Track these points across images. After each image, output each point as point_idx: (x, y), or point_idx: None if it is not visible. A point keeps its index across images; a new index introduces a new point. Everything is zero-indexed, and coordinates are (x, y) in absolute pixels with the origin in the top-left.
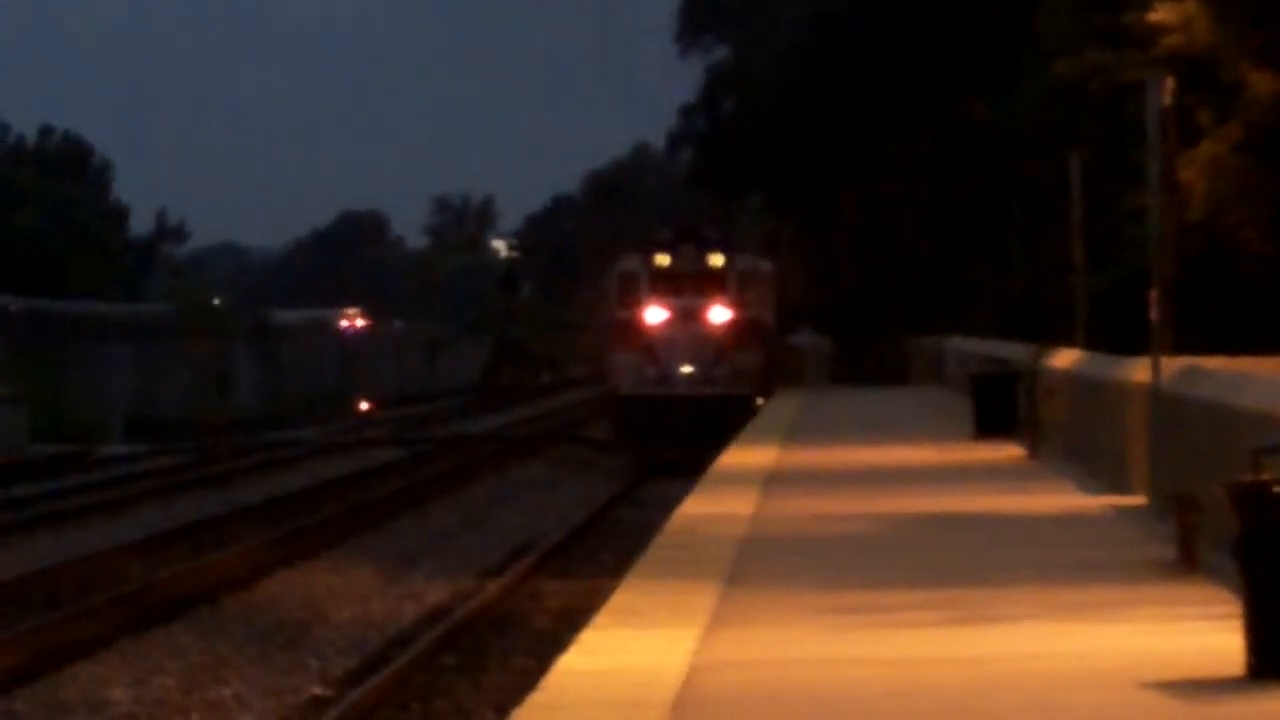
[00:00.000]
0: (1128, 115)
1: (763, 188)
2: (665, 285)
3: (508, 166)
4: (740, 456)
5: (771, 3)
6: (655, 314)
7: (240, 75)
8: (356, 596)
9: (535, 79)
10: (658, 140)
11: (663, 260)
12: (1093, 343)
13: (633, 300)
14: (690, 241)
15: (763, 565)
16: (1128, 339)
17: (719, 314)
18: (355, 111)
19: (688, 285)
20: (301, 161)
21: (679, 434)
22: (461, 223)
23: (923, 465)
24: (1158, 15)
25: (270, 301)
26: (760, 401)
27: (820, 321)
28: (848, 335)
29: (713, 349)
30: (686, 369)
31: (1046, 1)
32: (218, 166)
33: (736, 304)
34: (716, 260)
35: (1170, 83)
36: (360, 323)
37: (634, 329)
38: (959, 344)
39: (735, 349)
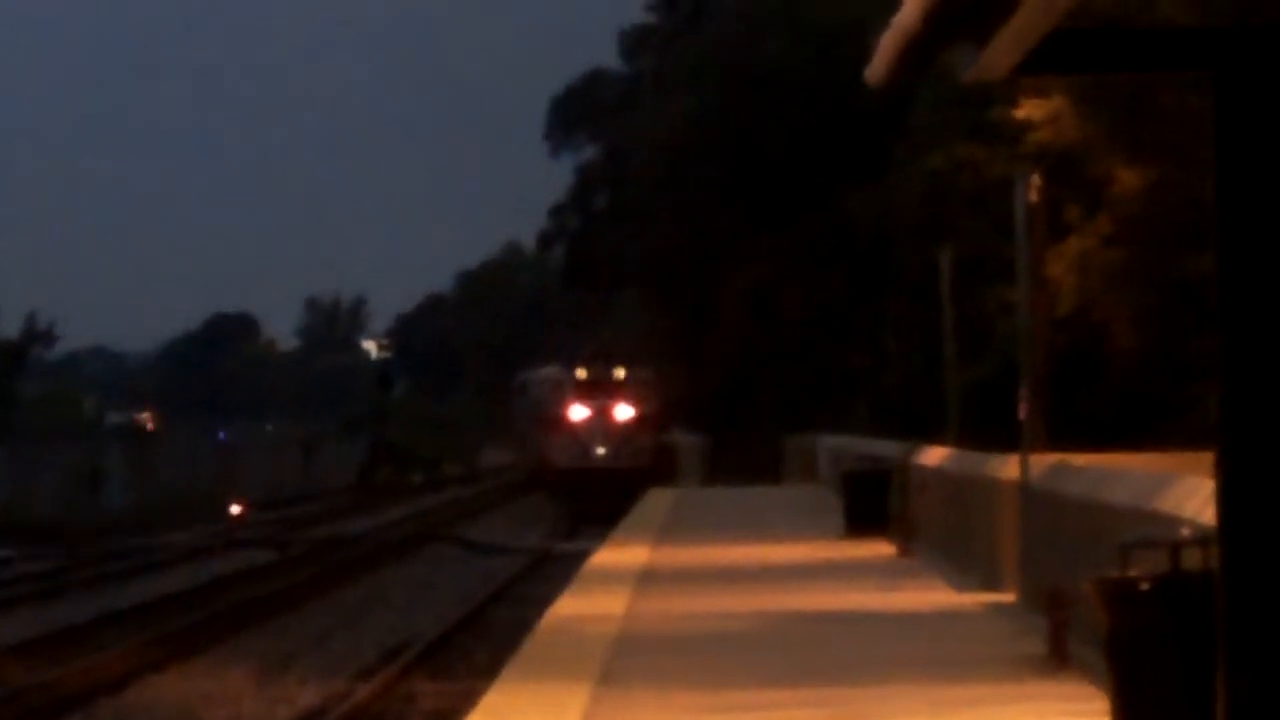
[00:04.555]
0: (997, 210)
1: (636, 284)
2: (584, 390)
3: (378, 268)
4: (613, 555)
5: (643, 99)
6: (578, 410)
7: (107, 176)
8: (229, 699)
9: (403, 180)
10: (528, 239)
11: (582, 372)
12: (965, 436)
13: (561, 401)
14: (601, 359)
15: (635, 664)
16: (1000, 432)
17: (623, 411)
18: (224, 213)
19: (600, 390)
20: (170, 264)
21: (597, 494)
22: (333, 323)
23: (795, 563)
24: (1024, 111)
25: (143, 404)
26: (651, 473)
27: (694, 417)
28: (722, 432)
29: (619, 435)
30: (601, 450)
31: (919, 96)
32: (87, 269)
33: (635, 403)
34: (620, 372)
35: (1037, 178)
36: (149, 425)
37: (563, 421)
38: (831, 441)
39: (635, 435)
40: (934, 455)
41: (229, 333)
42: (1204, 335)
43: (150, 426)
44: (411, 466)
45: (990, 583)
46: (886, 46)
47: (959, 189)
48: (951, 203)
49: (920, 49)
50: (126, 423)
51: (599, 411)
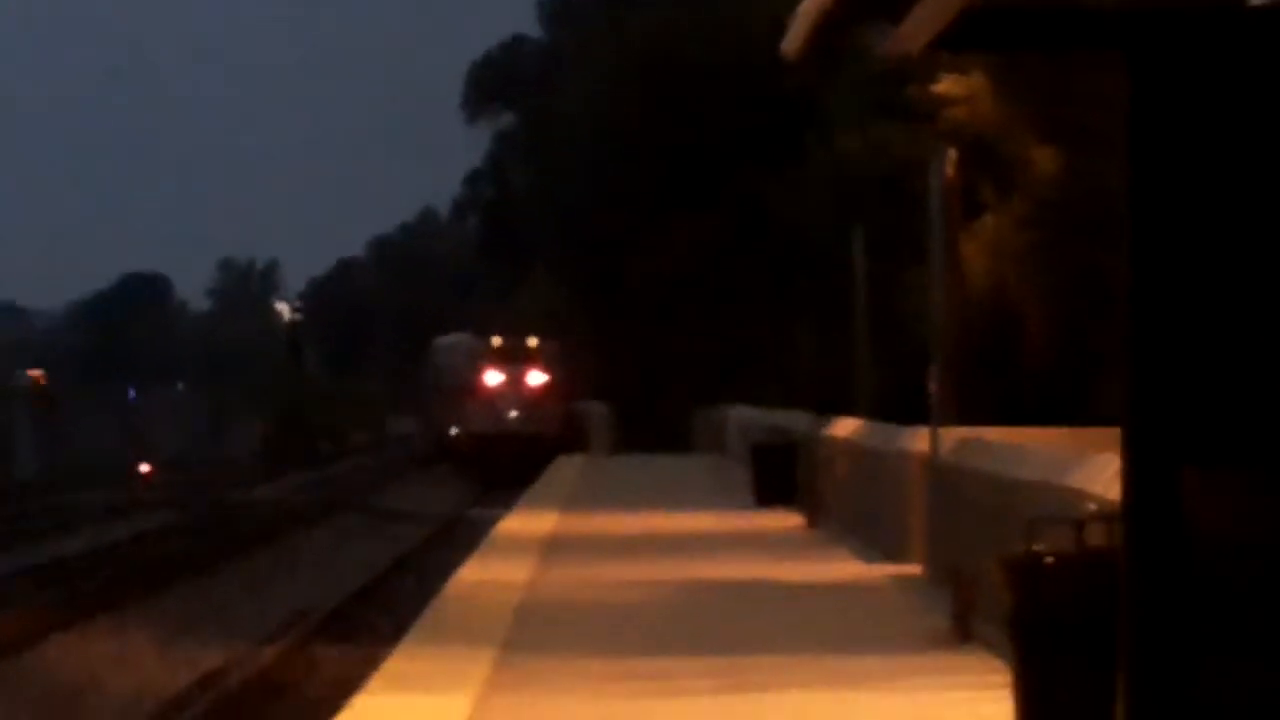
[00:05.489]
0: (912, 190)
1: (551, 256)
2: (498, 358)
3: (292, 231)
4: (520, 523)
5: (562, 72)
6: (493, 377)
7: (14, 130)
8: (131, 662)
9: (318, 143)
10: (444, 206)
11: (497, 341)
12: (876, 416)
13: (474, 368)
14: (515, 329)
15: (539, 632)
16: (911, 413)
17: (535, 378)
18: (135, 170)
19: (514, 358)
20: (81, 221)
21: (509, 458)
22: (246, 286)
23: (702, 533)
24: (942, 86)
25: (53, 365)
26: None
27: (605, 387)
28: (632, 402)
29: (530, 401)
30: (513, 414)
31: (837, 77)
32: None
33: (546, 371)
34: (532, 342)
35: (953, 155)
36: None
37: (477, 387)
38: (741, 413)
39: (545, 402)
40: (843, 428)
41: (141, 293)
42: (1114, 316)
43: (40, 384)
44: (319, 433)
45: (897, 556)
46: (802, 19)
47: (874, 169)
48: (866, 183)
49: (835, 22)
50: (34, 384)
51: (512, 379)
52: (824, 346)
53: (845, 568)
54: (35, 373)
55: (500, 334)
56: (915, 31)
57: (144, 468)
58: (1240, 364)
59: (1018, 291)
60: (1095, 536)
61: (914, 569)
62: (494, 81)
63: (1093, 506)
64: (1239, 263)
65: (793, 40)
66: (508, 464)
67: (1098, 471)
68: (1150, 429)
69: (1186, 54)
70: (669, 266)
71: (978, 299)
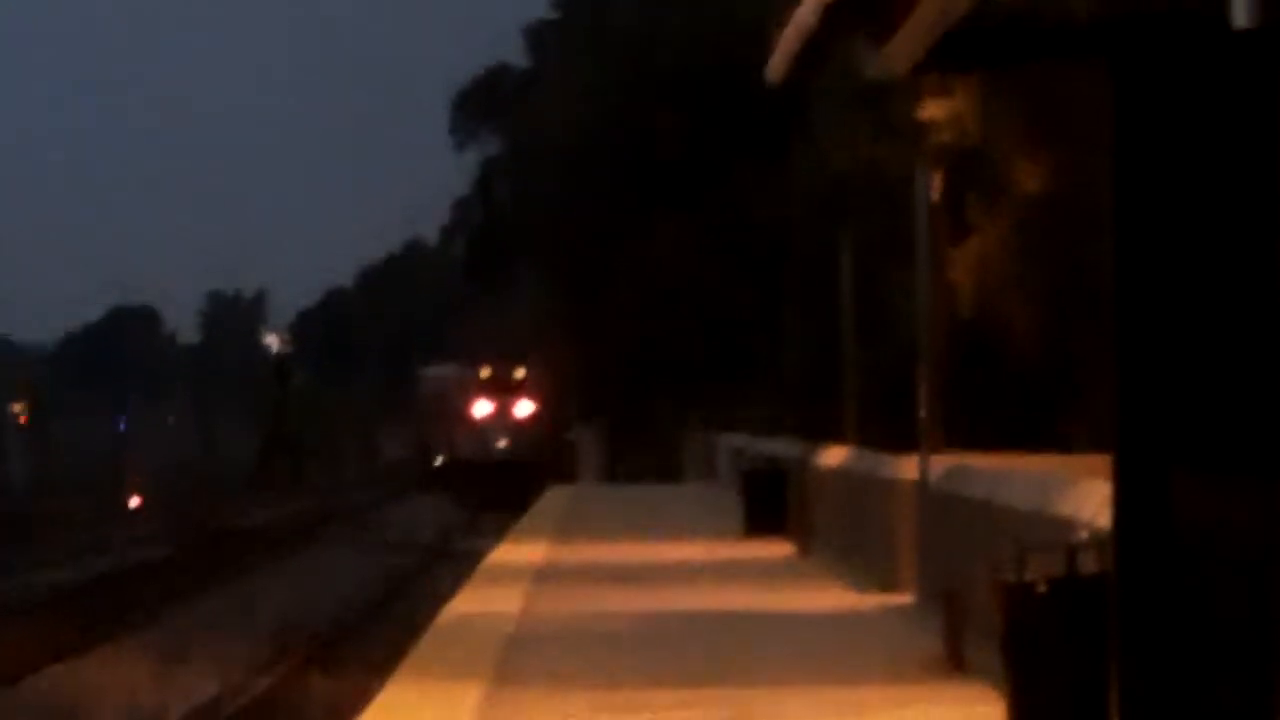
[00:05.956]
0: (899, 202)
1: (537, 272)
2: (487, 388)
3: (280, 262)
4: (511, 553)
5: (545, 87)
6: (482, 407)
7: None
8: (124, 691)
9: (304, 173)
10: (430, 234)
11: (486, 372)
12: (864, 430)
13: (466, 398)
14: (503, 360)
15: (530, 663)
16: (898, 429)
17: (522, 408)
18: (124, 204)
19: (502, 388)
20: (71, 255)
21: (497, 484)
22: (234, 317)
23: (693, 562)
24: (927, 111)
25: (48, 397)
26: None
27: (593, 413)
28: (621, 430)
29: (517, 430)
30: (502, 443)
31: (821, 92)
32: None
33: (533, 401)
34: (520, 372)
35: (939, 179)
36: (22, 419)
37: (466, 417)
38: (731, 439)
39: (532, 430)
40: (833, 455)
41: (130, 325)
42: (1102, 339)
43: (23, 419)
44: (307, 459)
45: (888, 584)
46: (785, 43)
47: (859, 180)
48: (852, 192)
49: (819, 46)
50: (24, 414)
51: (500, 408)
52: (811, 359)
53: (837, 596)
54: (17, 406)
55: (488, 363)
56: (901, 53)
57: (134, 500)
58: (1225, 368)
59: (1004, 309)
60: (1086, 563)
61: (905, 597)
62: (479, 108)
63: (1082, 533)
64: (1219, 267)
65: (776, 64)
66: (497, 492)
67: (1086, 498)
68: (1139, 452)
69: (1168, 62)
70: (658, 278)
71: (966, 314)
